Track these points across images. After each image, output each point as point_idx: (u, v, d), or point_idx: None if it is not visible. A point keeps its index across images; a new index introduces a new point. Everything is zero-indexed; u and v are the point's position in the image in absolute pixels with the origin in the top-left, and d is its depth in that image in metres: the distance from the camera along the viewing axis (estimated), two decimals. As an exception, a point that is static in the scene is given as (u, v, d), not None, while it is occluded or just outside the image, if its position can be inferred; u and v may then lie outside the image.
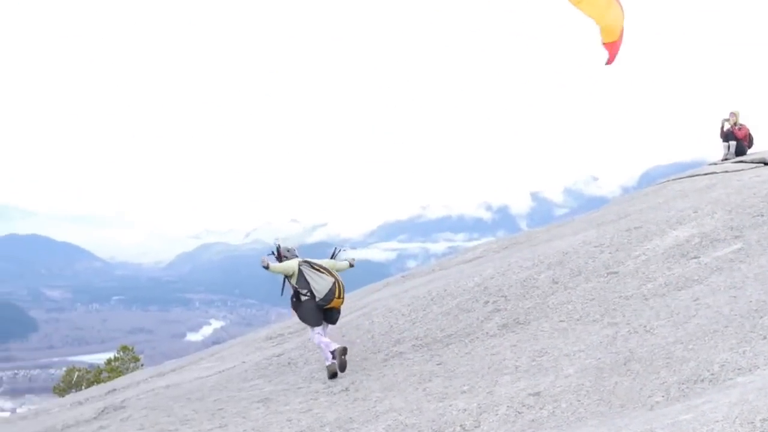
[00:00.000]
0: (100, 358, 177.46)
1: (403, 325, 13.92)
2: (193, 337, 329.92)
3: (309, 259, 13.05)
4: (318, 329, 12.55)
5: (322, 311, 12.50)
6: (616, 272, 13.32)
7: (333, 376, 12.16)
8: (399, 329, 13.79)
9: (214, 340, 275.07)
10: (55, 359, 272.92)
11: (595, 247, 15.16)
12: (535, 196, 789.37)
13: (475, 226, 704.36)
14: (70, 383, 40.35)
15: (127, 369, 39.33)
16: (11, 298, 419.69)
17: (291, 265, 12.89)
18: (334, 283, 12.52)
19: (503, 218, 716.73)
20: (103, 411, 14.23)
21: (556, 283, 13.72)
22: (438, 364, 11.29)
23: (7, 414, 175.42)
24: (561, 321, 11.78)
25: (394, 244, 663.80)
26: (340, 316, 13.12)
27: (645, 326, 10.45)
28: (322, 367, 12.67)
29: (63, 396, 35.56)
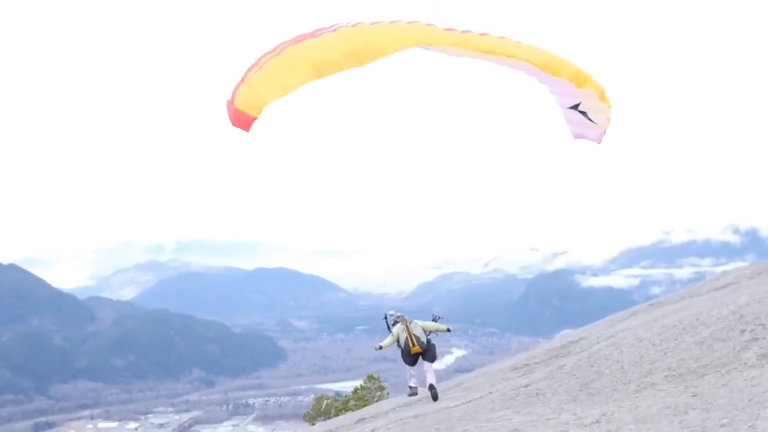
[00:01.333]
0: (345, 386, 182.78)
1: (654, 355, 13.55)
2: (435, 365, 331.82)
3: (407, 322, 19.27)
4: (409, 369, 19.38)
5: (410, 356, 19.07)
6: None
7: (411, 395, 19.83)
8: (650, 359, 13.44)
9: (456, 369, 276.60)
10: (303, 387, 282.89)
11: None
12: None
13: (722, 251, 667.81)
14: (320, 411, 41.25)
15: (374, 398, 39.90)
16: (261, 328, 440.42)
17: (394, 334, 19.28)
18: (407, 338, 18.94)
19: (752, 241, 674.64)
20: None
21: (821, 310, 12.94)
22: (693, 396, 10.81)
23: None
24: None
25: (636, 270, 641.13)
26: (436, 355, 19.79)
27: None
28: (570, 398, 12.58)
29: (313, 423, 37.30)
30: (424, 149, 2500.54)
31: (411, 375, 19.50)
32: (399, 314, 19.72)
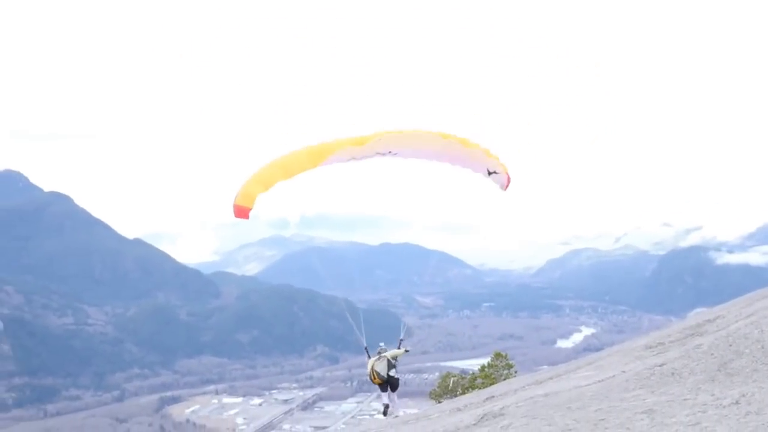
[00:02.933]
0: (471, 364, 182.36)
1: (797, 335, 13.21)
2: (563, 343, 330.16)
3: (378, 357, 23.69)
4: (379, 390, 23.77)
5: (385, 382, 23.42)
6: None
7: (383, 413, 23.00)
8: (795, 338, 13.10)
9: (585, 347, 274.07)
10: (428, 364, 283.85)
11: None
12: None
13: None
14: (446, 389, 41.65)
15: (501, 376, 39.84)
16: (386, 305, 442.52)
17: (368, 364, 23.81)
18: (370, 372, 23.42)
19: None
20: (482, 418, 14.18)
21: None
22: (840, 377, 10.59)
23: (383, 417, 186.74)
24: None
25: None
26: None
27: None
28: (708, 378, 12.38)
29: (439, 401, 37.27)
30: (553, 120, 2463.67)
31: (380, 395, 24.05)
32: (382, 348, 24.41)
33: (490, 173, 17.85)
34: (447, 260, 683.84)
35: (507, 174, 20.24)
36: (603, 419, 11.75)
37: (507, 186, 19.76)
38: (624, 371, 15.68)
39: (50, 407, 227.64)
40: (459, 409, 17.62)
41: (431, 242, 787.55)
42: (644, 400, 12.28)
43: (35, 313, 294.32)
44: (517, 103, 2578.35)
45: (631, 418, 11.40)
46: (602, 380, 15.39)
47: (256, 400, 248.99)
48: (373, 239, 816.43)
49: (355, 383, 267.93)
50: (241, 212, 11.72)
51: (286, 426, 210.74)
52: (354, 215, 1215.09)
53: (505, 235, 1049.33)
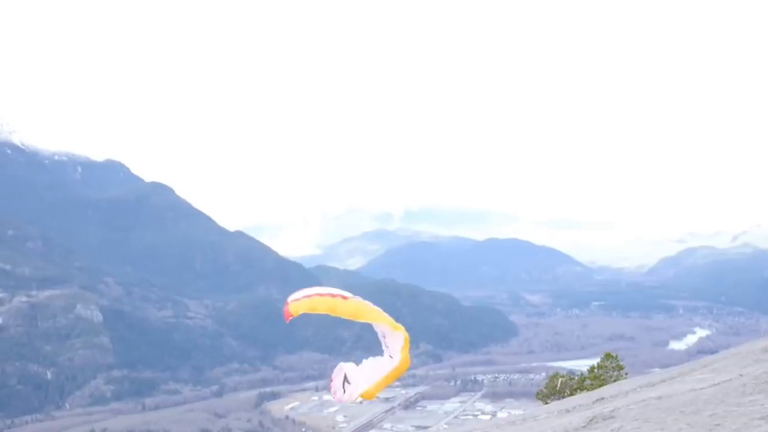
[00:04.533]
0: (579, 365, 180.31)
1: None
2: (676, 345, 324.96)
3: None
4: None
5: None
6: None
7: None
8: None
9: (699, 350, 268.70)
10: (535, 364, 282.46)
11: None
12: None
13: None
14: (554, 389, 41.53)
15: (611, 377, 39.48)
16: (493, 302, 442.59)
17: None
18: None
19: None
20: (591, 420, 14.33)
21: None
22: None
23: (487, 417, 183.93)
24: None
25: None
26: None
27: None
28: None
29: (546, 402, 37.17)
30: (665, 114, 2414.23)
31: None
32: None
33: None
34: (555, 256, 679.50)
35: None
36: (718, 424, 11.49)
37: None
38: (741, 375, 15.29)
39: (149, 401, 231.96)
40: (567, 411, 17.70)
41: (539, 238, 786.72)
42: (762, 405, 11.99)
43: (135, 305, 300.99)
44: (633, 95, 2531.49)
45: (747, 423, 11.12)
46: (718, 384, 15.06)
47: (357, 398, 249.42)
48: (479, 234, 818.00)
49: (458, 382, 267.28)
50: (287, 314, 12.93)
51: (387, 425, 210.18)
52: (459, 209, 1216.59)
53: (616, 232, 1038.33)
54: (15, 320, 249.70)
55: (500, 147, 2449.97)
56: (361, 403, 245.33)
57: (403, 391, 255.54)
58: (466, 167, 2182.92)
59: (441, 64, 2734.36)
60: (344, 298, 13.41)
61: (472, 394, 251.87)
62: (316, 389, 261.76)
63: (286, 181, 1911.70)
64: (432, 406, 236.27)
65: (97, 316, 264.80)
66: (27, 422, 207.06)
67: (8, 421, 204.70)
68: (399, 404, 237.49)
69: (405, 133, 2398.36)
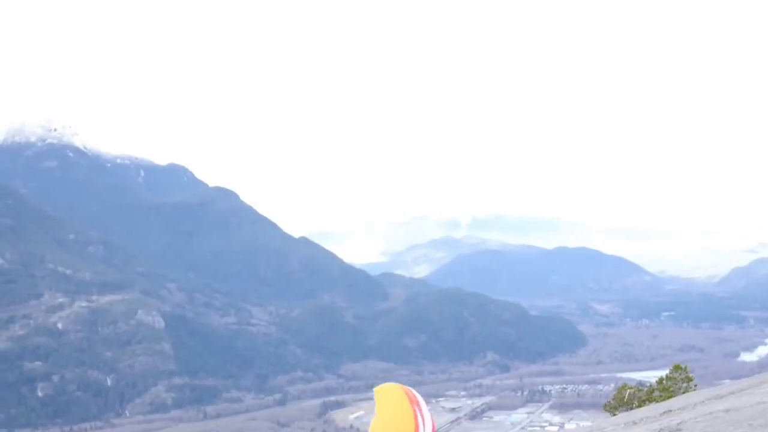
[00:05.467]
0: (648, 376, 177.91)
1: None
2: (747, 357, 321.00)
3: None
4: None
5: None
6: None
7: None
8: None
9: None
10: (604, 375, 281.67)
11: None
12: None
13: None
14: (622, 401, 40.63)
15: (680, 389, 38.50)
16: (561, 311, 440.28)
17: None
18: None
19: None
20: None
21: None
22: None
23: (555, 428, 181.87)
24: None
25: None
26: None
27: None
28: None
29: (614, 414, 36.44)
30: (737, 120, 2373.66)
31: None
32: None
33: None
34: (625, 266, 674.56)
35: None
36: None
37: None
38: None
39: (210, 409, 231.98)
40: (635, 423, 17.60)
41: (608, 247, 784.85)
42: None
43: (197, 311, 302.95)
44: (703, 101, 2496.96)
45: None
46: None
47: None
48: (547, 242, 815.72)
49: (526, 393, 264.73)
50: None
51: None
52: (528, 217, 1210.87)
53: (686, 241, 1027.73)
54: (75, 325, 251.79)
55: (570, 155, 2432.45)
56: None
57: (470, 401, 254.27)
58: (534, 175, 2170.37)
59: (509, 69, 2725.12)
60: None
61: (540, 404, 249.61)
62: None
63: (352, 188, 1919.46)
64: (499, 416, 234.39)
65: (159, 323, 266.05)
66: (86, 429, 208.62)
67: (67, 428, 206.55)
68: (465, 414, 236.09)
69: (473, 140, 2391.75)
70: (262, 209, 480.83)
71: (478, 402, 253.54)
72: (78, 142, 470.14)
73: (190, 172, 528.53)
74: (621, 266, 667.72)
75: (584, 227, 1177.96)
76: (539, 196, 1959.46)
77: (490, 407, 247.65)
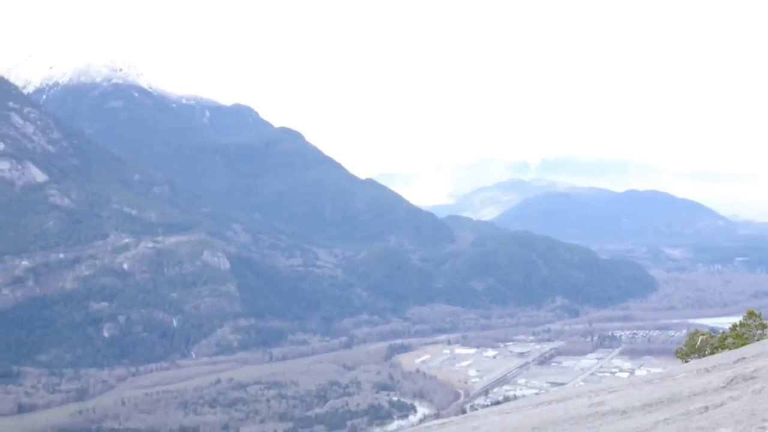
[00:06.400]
0: (721, 322, 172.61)
1: None
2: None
3: None
4: None
5: None
6: None
7: None
8: None
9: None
10: (675, 321, 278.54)
11: None
12: None
13: None
14: (693, 347, 37.98)
15: (754, 336, 35.58)
16: (631, 255, 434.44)
17: None
18: None
19: None
20: (732, 380, 13.61)
21: None
22: None
23: (625, 374, 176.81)
24: None
25: None
26: None
27: None
28: None
29: (685, 361, 35.19)
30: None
31: None
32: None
33: None
34: (697, 210, 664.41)
35: None
36: None
37: None
38: None
39: (276, 351, 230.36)
40: (707, 370, 17.17)
41: (680, 190, 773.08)
42: None
43: (263, 253, 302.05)
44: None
45: None
46: None
47: (490, 352, 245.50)
48: (618, 185, 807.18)
49: (595, 338, 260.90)
50: None
51: (521, 380, 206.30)
52: (598, 159, 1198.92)
53: (762, 185, 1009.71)
54: (141, 266, 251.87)
55: (640, 96, 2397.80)
56: (494, 357, 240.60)
57: (538, 346, 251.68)
58: (605, 116, 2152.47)
59: (580, 4, 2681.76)
60: None
61: (610, 350, 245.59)
62: (448, 342, 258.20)
63: (419, 130, 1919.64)
64: (567, 362, 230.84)
65: (224, 264, 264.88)
66: (152, 370, 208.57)
67: (133, 369, 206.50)
68: (533, 359, 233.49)
69: (542, 81, 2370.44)
70: (328, 150, 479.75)
71: (546, 347, 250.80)
72: (143, 83, 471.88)
73: (256, 113, 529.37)
74: (693, 210, 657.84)
75: (655, 170, 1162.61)
76: (609, 137, 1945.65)
77: (559, 352, 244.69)
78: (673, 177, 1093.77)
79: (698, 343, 37.95)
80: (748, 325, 37.30)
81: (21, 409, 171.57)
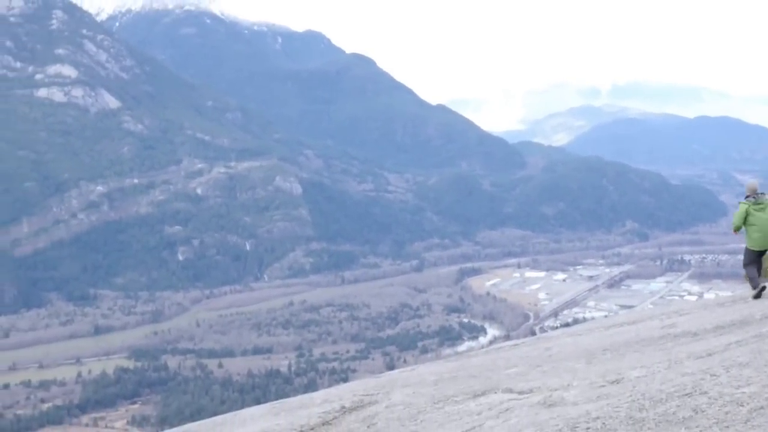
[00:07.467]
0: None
1: None
2: None
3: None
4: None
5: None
6: None
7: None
8: None
9: None
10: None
11: None
12: None
13: None
14: (765, 272, 33.24)
15: None
16: (702, 181, 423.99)
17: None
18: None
19: None
20: None
21: None
22: None
23: (694, 298, 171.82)
24: None
25: None
26: None
27: None
28: None
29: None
30: None
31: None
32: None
33: None
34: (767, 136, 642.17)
35: None
36: None
37: None
38: None
39: (348, 274, 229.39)
40: None
41: (752, 116, 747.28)
42: None
43: (334, 178, 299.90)
44: None
45: None
46: None
47: (560, 276, 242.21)
48: (689, 111, 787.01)
49: (664, 262, 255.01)
50: None
51: (590, 303, 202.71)
52: (669, 85, 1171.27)
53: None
54: (214, 191, 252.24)
55: (711, 21, 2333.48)
56: (564, 281, 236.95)
57: (608, 270, 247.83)
58: (676, 41, 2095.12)
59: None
60: None
61: (679, 274, 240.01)
62: (518, 266, 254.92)
63: (490, 55, 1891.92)
64: (637, 285, 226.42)
65: (296, 189, 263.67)
66: (226, 293, 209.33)
67: (207, 291, 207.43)
68: (603, 283, 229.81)
69: (612, 6, 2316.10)
70: (399, 76, 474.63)
71: (616, 270, 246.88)
72: (215, 9, 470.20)
73: (327, 39, 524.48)
74: (765, 136, 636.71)
75: (727, 96, 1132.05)
76: (681, 63, 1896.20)
77: (629, 276, 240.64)
78: (745, 102, 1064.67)
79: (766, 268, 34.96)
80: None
81: (98, 330, 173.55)
